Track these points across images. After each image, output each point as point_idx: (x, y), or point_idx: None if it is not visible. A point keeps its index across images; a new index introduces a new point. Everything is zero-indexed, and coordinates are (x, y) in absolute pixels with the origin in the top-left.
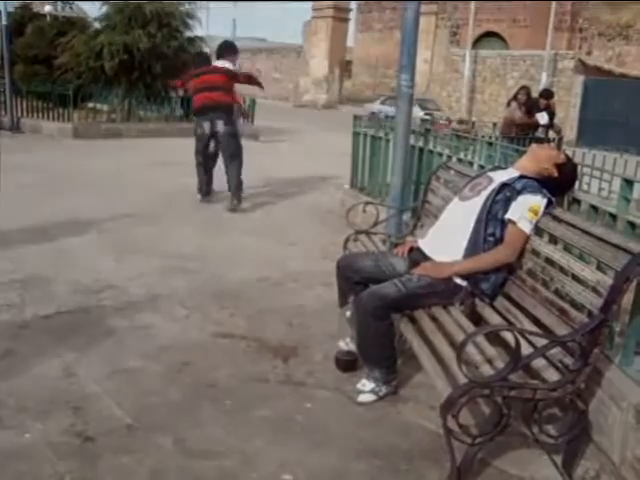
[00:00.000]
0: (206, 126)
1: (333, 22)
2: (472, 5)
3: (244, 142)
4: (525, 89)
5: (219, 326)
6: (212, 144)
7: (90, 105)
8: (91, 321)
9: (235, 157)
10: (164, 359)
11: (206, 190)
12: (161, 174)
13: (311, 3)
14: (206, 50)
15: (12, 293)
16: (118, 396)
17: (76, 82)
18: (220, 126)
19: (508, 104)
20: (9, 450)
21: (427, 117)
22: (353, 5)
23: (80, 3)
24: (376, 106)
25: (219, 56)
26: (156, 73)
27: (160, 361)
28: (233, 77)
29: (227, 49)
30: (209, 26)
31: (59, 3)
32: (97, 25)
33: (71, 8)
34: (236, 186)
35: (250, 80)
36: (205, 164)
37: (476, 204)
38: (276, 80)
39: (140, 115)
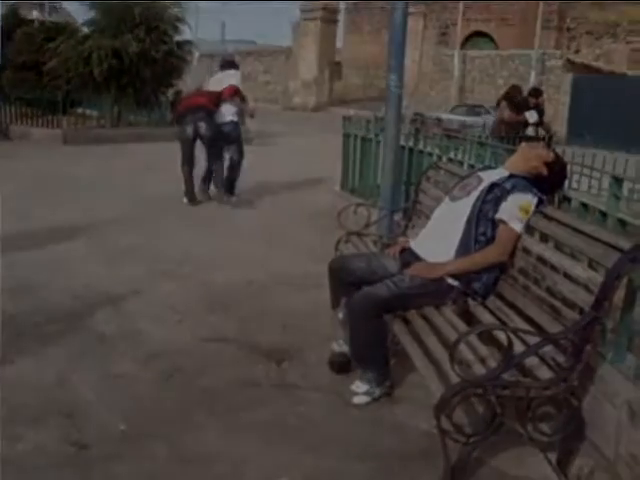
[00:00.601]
0: (189, 129)
1: (322, 24)
2: (460, 5)
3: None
4: (517, 89)
5: (211, 330)
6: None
7: (79, 111)
8: (83, 328)
9: (218, 157)
10: (156, 365)
11: (191, 195)
12: (151, 179)
13: (299, 5)
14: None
15: (3, 300)
16: (111, 403)
17: (65, 88)
18: (203, 129)
19: (498, 104)
20: (3, 459)
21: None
22: (342, 6)
23: (68, 8)
24: (445, 115)
25: (222, 67)
26: (145, 78)
27: (152, 367)
28: (219, 95)
29: (229, 63)
30: (198, 29)
31: (46, 8)
32: (85, 30)
33: (57, 11)
34: (221, 183)
35: (235, 93)
36: (191, 170)
37: (466, 204)
38: (265, 83)
39: (130, 120)
